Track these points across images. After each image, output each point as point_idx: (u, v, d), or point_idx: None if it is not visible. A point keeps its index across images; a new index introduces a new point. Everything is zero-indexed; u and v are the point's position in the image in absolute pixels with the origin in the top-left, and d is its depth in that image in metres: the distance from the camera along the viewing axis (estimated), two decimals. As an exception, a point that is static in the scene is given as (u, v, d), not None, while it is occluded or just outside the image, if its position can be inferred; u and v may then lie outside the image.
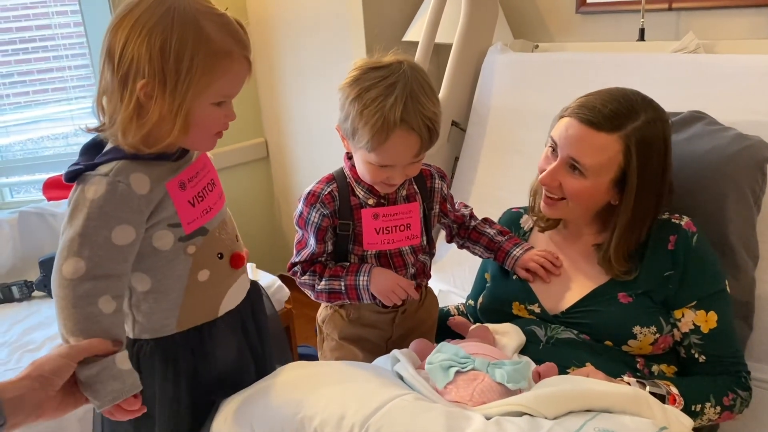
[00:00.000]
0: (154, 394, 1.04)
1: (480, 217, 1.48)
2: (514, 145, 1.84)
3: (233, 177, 3.03)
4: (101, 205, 0.92)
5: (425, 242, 1.35)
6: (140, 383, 0.94)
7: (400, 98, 1.10)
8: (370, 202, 1.27)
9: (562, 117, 1.30)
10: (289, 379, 1.10)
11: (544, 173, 1.30)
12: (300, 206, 1.28)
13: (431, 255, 1.40)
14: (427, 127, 1.13)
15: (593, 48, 2.06)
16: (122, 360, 0.93)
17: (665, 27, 2.09)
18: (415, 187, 1.32)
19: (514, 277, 1.41)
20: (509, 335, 1.32)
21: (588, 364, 1.22)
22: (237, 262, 1.08)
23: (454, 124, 2.00)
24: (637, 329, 1.24)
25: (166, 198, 0.98)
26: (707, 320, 1.25)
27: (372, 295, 1.26)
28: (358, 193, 1.27)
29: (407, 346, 1.37)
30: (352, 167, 1.27)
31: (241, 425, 1.04)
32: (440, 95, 1.96)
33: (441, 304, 1.86)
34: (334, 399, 1.01)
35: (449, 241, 1.49)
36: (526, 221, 1.50)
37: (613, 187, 1.26)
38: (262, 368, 1.18)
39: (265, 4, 2.82)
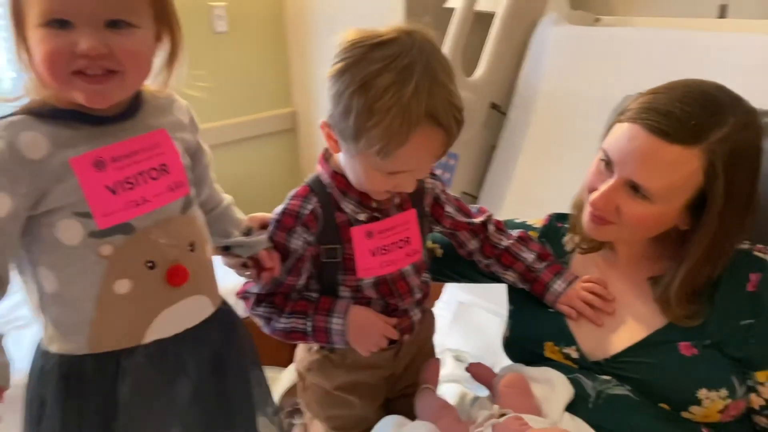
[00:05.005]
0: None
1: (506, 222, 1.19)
2: (566, 137, 1.55)
3: (255, 148, 2.85)
4: None
5: (426, 257, 1.10)
6: (8, 380, 0.78)
7: (422, 85, 0.84)
8: (362, 218, 1.00)
9: (619, 121, 1.00)
10: None
11: (595, 194, 1.01)
12: (272, 230, 1.01)
13: (428, 270, 1.14)
14: (455, 120, 0.88)
15: (665, 24, 1.73)
16: None
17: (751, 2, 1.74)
18: None
19: (551, 309, 1.14)
20: (553, 386, 1.04)
21: None
22: (175, 277, 0.84)
23: (493, 106, 1.72)
24: (703, 393, 0.96)
25: (70, 176, 0.76)
26: None
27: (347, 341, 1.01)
28: (344, 207, 1.00)
29: (408, 379, 1.15)
30: (335, 174, 1.00)
31: None
32: (478, 72, 1.68)
33: (464, 323, 1.61)
34: None
35: (467, 257, 1.20)
36: (569, 240, 1.20)
37: (686, 211, 0.98)
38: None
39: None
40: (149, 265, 0.82)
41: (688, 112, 0.92)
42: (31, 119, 0.77)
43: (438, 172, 1.65)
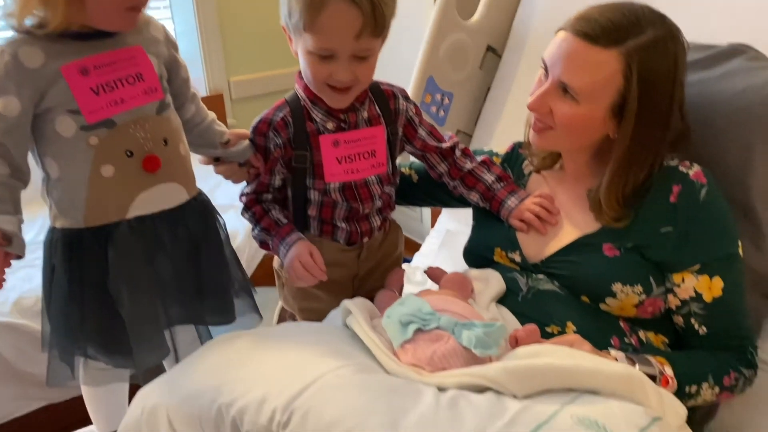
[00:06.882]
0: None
1: (485, 149, 1.31)
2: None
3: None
4: None
5: (391, 171, 1.24)
6: (24, 251, 0.98)
7: None
8: (329, 126, 1.16)
9: (556, 31, 1.13)
10: (212, 359, 0.97)
11: (532, 97, 1.14)
12: (251, 134, 1.19)
13: (395, 185, 1.29)
14: (371, 3, 0.99)
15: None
16: (5, 222, 0.96)
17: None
18: (378, 109, 1.20)
19: (505, 223, 1.28)
20: (488, 282, 1.21)
21: (569, 323, 1.10)
22: (149, 164, 1.03)
23: (489, 49, 1.81)
24: (617, 287, 1.09)
25: (61, 80, 0.96)
26: (711, 287, 1.08)
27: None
28: (314, 116, 1.16)
29: (374, 282, 1.32)
30: (306, 87, 1.15)
31: (159, 419, 0.91)
32: (476, 15, 1.77)
33: (450, 248, 1.74)
34: (257, 379, 0.88)
35: (437, 179, 1.35)
36: (528, 164, 1.34)
37: (612, 117, 1.09)
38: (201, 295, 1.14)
39: None
40: (128, 153, 1.02)
41: (609, 19, 1.05)
42: (29, 37, 0.96)
43: (433, 109, 1.78)
